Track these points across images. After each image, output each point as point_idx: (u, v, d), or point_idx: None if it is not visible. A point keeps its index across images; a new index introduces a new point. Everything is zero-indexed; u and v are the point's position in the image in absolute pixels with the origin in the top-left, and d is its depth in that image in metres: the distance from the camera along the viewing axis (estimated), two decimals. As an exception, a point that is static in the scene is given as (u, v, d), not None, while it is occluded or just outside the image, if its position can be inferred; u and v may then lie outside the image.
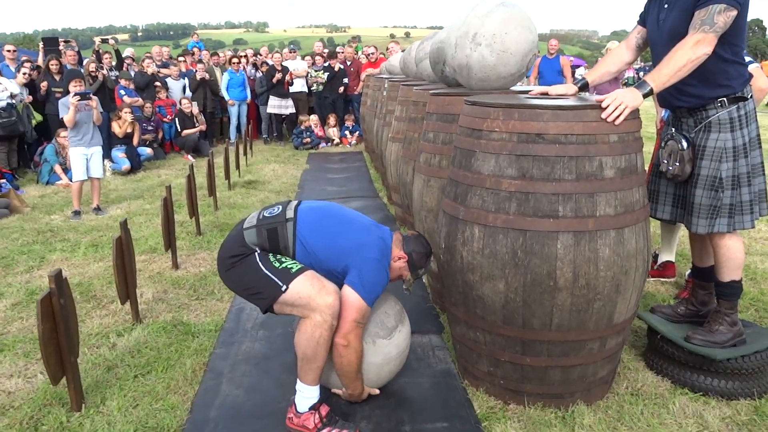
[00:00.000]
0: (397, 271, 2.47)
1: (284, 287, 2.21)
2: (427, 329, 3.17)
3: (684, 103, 2.47)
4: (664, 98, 2.58)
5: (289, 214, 2.36)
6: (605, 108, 2.17)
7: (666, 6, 2.47)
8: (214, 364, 2.82)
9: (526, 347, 2.31)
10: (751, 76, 2.52)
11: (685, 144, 2.47)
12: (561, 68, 9.01)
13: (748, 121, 2.45)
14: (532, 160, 2.18)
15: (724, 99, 2.42)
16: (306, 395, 2.30)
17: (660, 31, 2.49)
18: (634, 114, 2.25)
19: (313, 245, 2.32)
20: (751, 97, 2.48)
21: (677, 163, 2.49)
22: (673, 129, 2.57)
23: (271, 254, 2.32)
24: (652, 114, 4.44)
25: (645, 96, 2.23)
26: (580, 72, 15.74)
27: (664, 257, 3.83)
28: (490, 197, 2.26)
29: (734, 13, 2.22)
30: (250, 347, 2.99)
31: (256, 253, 2.30)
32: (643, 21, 2.67)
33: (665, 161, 2.55)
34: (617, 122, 2.16)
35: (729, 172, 2.44)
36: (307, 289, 2.21)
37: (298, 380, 2.31)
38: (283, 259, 2.30)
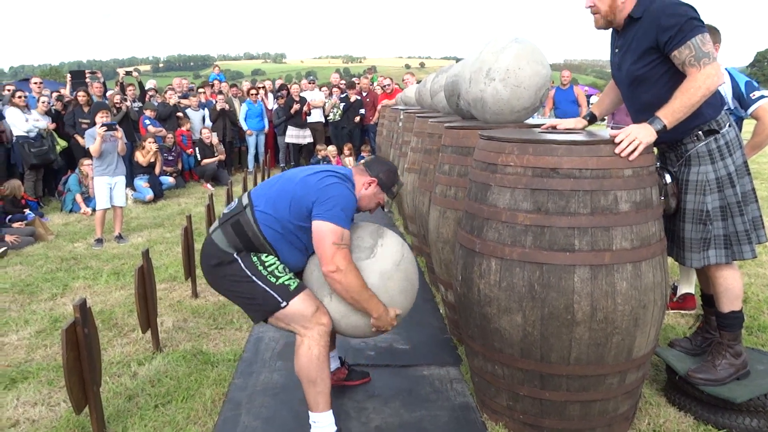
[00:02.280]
0: (373, 197, 2.51)
1: (284, 303, 2.29)
2: (444, 361, 3.17)
3: (662, 137, 2.39)
4: None
5: (245, 201, 2.42)
6: (619, 143, 2.20)
7: (617, 50, 2.54)
8: (233, 394, 2.85)
9: (544, 381, 2.31)
10: (723, 101, 2.53)
11: (668, 178, 2.49)
12: (576, 98, 9.07)
13: (730, 150, 2.44)
14: (547, 194, 2.21)
15: (699, 132, 2.43)
16: (321, 425, 2.32)
17: (619, 73, 2.56)
18: (648, 148, 2.28)
19: (273, 212, 2.34)
20: (731, 125, 2.47)
21: (662, 198, 2.48)
22: (658, 163, 2.59)
23: (253, 256, 2.35)
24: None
25: (658, 132, 2.26)
26: (593, 101, 15.81)
27: (683, 289, 3.80)
28: (506, 230, 2.29)
29: (708, 34, 2.26)
30: (268, 378, 3.01)
31: (239, 260, 2.33)
32: None
33: None
34: (631, 158, 2.19)
35: (716, 203, 2.44)
36: (305, 309, 2.29)
37: (310, 413, 2.33)
38: (276, 271, 2.33)
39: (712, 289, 2.60)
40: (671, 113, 2.26)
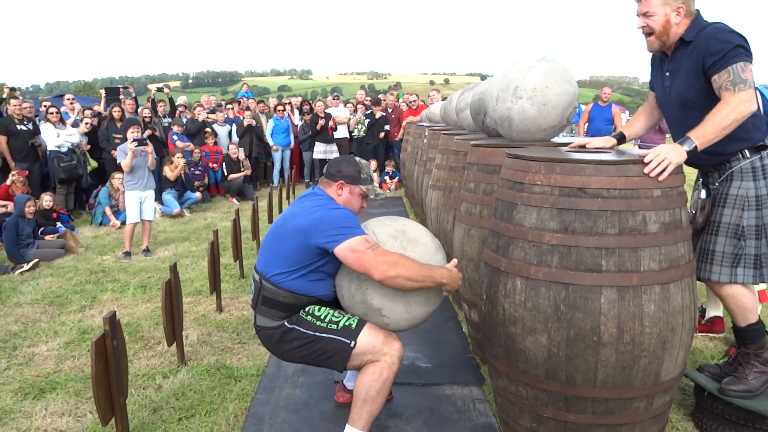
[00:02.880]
0: (352, 197, 2.50)
1: (352, 343, 2.31)
2: (467, 381, 3.14)
3: (707, 161, 2.48)
4: (688, 159, 2.60)
5: (257, 277, 2.45)
6: (648, 163, 2.18)
7: (668, 74, 2.54)
8: (255, 409, 2.86)
9: (569, 403, 2.27)
10: None
11: (704, 193, 2.50)
12: (612, 117, 9.00)
13: None
14: (574, 213, 2.19)
15: (746, 150, 2.44)
16: None
17: (668, 97, 2.56)
18: (678, 169, 2.25)
19: (286, 267, 2.36)
20: None
21: (693, 211, 2.49)
22: (700, 180, 2.60)
23: (306, 316, 2.38)
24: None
25: (688, 153, 2.24)
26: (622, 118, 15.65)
27: (711, 312, 3.71)
28: (532, 250, 2.27)
29: (752, 65, 2.27)
30: (290, 393, 3.02)
31: (296, 326, 2.36)
32: (652, 87, 2.77)
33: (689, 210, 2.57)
34: (660, 178, 2.17)
35: (751, 221, 2.43)
36: (374, 339, 2.32)
37: (347, 426, 2.36)
38: (333, 317, 2.36)
39: (725, 307, 2.58)
40: (703, 134, 2.26)
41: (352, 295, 2.39)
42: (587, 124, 9.20)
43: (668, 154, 2.18)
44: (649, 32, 2.48)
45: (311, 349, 2.35)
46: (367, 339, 2.31)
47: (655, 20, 2.43)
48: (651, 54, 2.66)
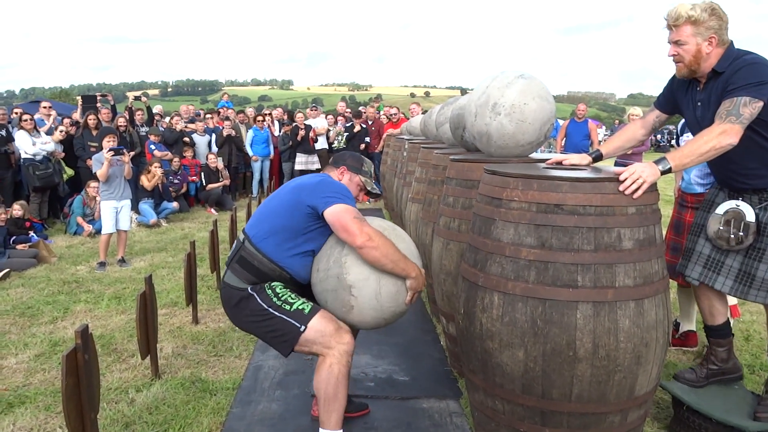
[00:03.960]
0: (351, 184, 2.62)
1: (302, 328, 2.33)
2: (444, 394, 3.14)
3: (749, 186, 2.53)
4: (725, 182, 2.65)
5: (241, 237, 2.51)
6: (623, 181, 2.22)
7: (699, 104, 2.56)
8: (230, 424, 2.82)
9: (545, 418, 2.28)
10: None
11: (752, 215, 2.51)
12: (588, 132, 9.16)
13: None
14: (551, 229, 2.22)
15: None
16: None
17: (700, 128, 2.55)
18: (652, 187, 2.30)
19: (271, 231, 2.42)
20: None
21: (735, 231, 2.52)
22: (740, 199, 2.60)
23: (267, 288, 2.40)
24: (670, 177, 4.48)
25: (663, 173, 2.29)
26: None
27: (685, 327, 3.78)
28: (510, 265, 2.29)
29: (760, 104, 2.30)
30: (266, 407, 2.98)
31: (255, 294, 2.39)
32: (662, 107, 2.79)
33: (721, 227, 2.58)
34: (635, 196, 2.21)
35: None
36: (325, 328, 2.33)
37: (321, 429, 2.35)
38: (289, 299, 2.38)
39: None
40: (679, 158, 2.32)
41: (329, 267, 2.41)
42: (564, 139, 9.36)
43: (643, 172, 2.22)
44: (679, 60, 2.48)
45: (262, 324, 2.38)
46: (318, 326, 2.33)
47: (687, 49, 2.43)
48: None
